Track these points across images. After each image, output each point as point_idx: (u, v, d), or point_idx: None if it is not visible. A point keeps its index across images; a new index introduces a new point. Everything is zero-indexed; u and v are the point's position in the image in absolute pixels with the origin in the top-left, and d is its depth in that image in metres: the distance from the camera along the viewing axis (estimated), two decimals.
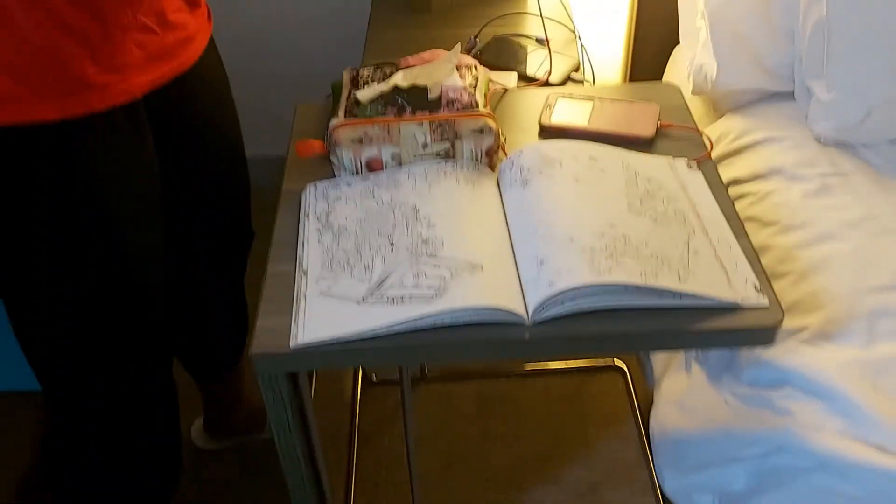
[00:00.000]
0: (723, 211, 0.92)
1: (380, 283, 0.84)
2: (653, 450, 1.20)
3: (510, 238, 0.88)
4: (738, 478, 0.97)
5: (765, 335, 0.81)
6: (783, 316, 0.80)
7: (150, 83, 0.96)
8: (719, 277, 0.83)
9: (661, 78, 1.59)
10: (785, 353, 0.93)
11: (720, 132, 1.25)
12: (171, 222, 1.08)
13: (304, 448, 0.94)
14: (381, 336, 0.79)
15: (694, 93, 1.34)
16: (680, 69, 1.46)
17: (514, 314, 0.79)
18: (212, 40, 1.09)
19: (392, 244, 0.88)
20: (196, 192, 1.12)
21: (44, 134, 0.87)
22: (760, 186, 1.12)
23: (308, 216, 0.94)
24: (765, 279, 0.84)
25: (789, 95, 1.27)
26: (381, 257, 0.86)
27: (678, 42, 1.49)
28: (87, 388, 1.04)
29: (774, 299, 0.82)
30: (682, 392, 1.11)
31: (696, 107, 1.35)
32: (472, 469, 1.41)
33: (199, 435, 1.49)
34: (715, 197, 0.94)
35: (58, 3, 0.83)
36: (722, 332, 0.80)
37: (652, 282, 0.79)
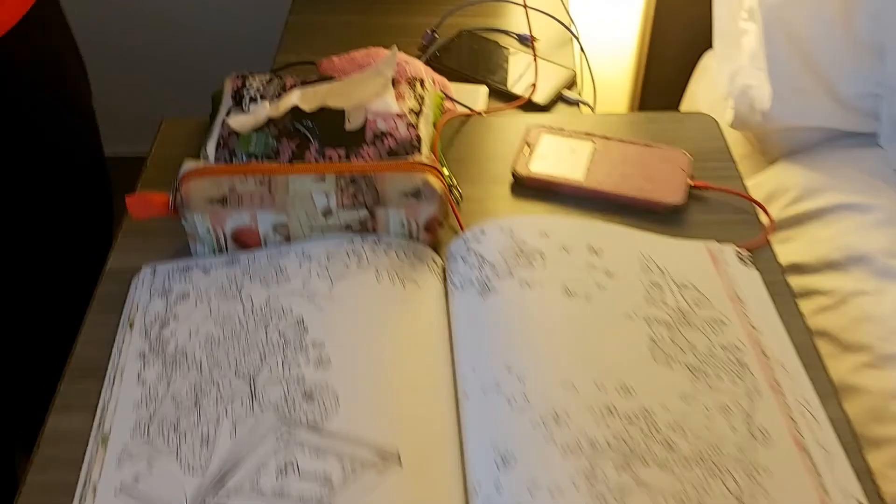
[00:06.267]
0: (794, 343, 0.57)
1: (219, 480, 0.48)
2: None
3: (455, 393, 0.53)
4: None
5: None
6: None
7: None
8: (801, 485, 0.48)
9: (682, 90, 1.22)
10: None
11: (772, 188, 0.88)
12: None
13: None
14: None
15: (734, 126, 0.96)
16: (711, 85, 1.08)
17: None
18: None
19: (254, 395, 0.52)
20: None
21: None
22: (835, 282, 0.75)
23: (132, 326, 0.58)
24: (874, 491, 0.50)
25: (872, 139, 0.90)
26: (232, 421, 0.51)
27: (709, 45, 1.12)
28: None
29: None
30: None
31: (735, 144, 0.98)
32: None
33: None
34: (779, 314, 0.59)
35: None
36: None
37: None
